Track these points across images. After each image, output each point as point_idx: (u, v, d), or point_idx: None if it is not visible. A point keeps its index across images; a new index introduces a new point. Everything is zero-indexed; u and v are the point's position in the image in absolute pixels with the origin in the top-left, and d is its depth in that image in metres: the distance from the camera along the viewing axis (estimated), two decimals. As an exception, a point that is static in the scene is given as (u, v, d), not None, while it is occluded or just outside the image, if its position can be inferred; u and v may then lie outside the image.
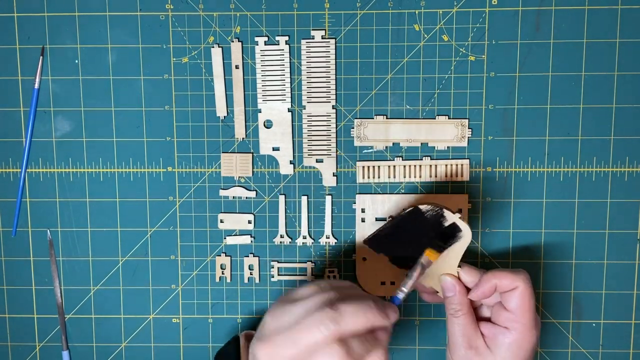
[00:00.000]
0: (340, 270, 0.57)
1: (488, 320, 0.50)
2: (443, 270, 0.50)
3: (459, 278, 0.49)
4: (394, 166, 0.56)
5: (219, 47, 0.55)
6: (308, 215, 0.57)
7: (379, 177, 0.56)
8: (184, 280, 0.58)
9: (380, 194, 0.56)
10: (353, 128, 0.56)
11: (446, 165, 0.56)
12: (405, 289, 0.47)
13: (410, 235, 0.50)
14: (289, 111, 0.56)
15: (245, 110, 0.56)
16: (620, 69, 0.54)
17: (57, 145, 0.57)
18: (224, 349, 0.51)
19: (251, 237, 0.57)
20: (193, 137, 0.56)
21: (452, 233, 0.49)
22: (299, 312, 0.42)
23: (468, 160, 0.56)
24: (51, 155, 0.57)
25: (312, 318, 0.41)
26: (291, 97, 0.56)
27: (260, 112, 0.56)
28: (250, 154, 0.56)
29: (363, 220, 0.56)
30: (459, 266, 0.49)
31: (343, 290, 0.44)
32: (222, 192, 0.57)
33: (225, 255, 0.57)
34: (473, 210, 0.56)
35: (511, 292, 0.47)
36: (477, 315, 0.50)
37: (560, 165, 0.55)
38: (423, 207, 0.50)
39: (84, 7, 0.55)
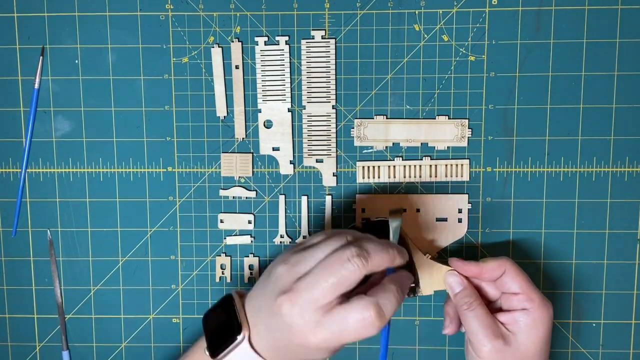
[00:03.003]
0: (340, 270, 0.57)
1: (499, 310, 0.50)
2: (434, 274, 0.51)
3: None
4: (394, 166, 0.56)
5: (219, 47, 0.55)
6: (308, 215, 0.57)
7: (379, 177, 0.56)
8: (184, 280, 0.58)
9: (380, 194, 0.56)
10: (353, 128, 0.56)
11: (446, 165, 0.56)
12: None
13: None
14: (289, 111, 0.56)
15: (245, 110, 0.56)
16: (620, 69, 0.54)
17: (57, 145, 0.57)
18: (213, 311, 0.45)
19: (251, 237, 0.57)
20: (193, 137, 0.56)
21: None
22: (319, 255, 0.40)
23: (468, 160, 0.56)
24: (51, 155, 0.57)
25: (338, 256, 0.39)
26: (291, 97, 0.56)
27: (260, 112, 0.56)
28: (250, 154, 0.56)
29: (363, 220, 0.56)
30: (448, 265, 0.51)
31: (355, 233, 0.42)
32: (222, 192, 0.57)
33: (225, 255, 0.57)
34: (473, 210, 0.56)
35: (506, 277, 0.48)
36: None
37: (560, 165, 0.55)
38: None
39: (84, 7, 0.55)
